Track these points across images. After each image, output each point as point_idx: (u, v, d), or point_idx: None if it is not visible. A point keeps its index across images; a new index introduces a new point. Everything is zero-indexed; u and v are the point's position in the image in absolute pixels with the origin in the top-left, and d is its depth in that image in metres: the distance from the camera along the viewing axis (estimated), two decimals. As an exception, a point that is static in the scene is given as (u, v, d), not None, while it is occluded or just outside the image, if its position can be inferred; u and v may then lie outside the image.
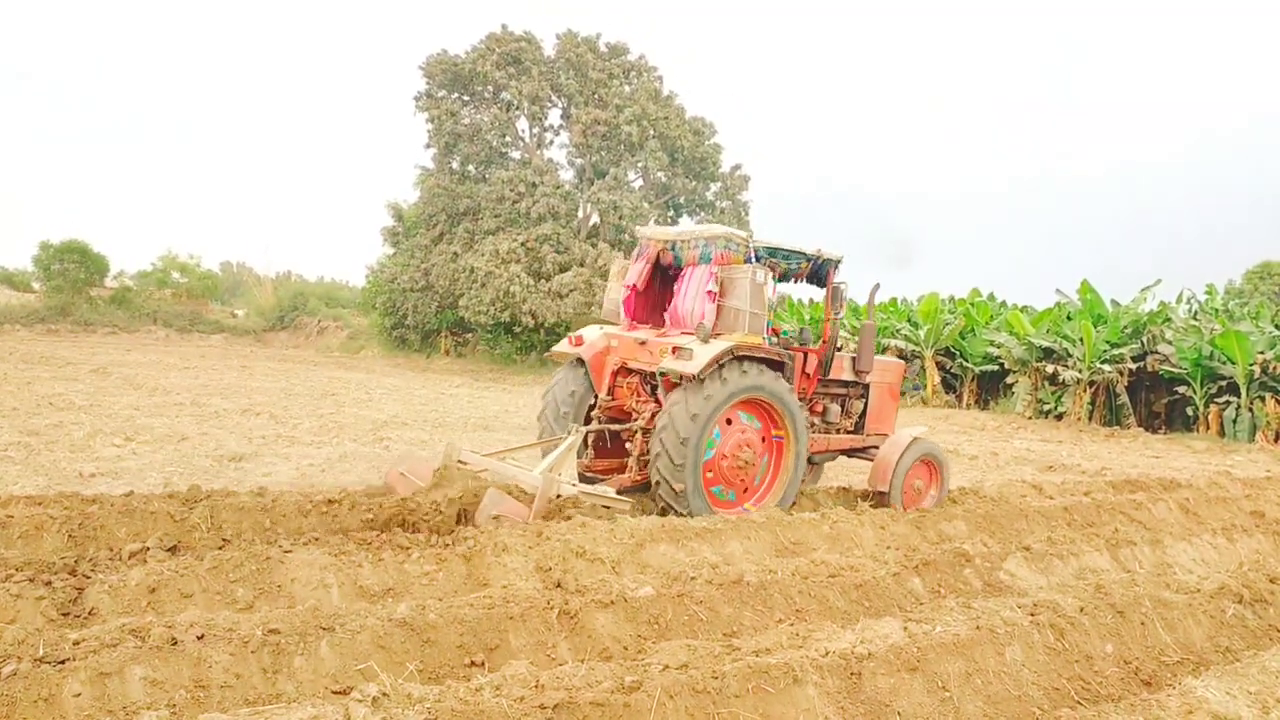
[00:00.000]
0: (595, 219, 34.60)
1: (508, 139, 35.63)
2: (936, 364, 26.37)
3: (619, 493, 7.74)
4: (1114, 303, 24.23)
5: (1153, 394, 23.14)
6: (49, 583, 4.94)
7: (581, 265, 32.03)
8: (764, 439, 8.46)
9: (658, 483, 7.86)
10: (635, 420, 8.50)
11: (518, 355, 37.79)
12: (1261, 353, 19.89)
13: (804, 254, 8.87)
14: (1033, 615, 5.08)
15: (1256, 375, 19.80)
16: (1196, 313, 24.08)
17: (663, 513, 7.83)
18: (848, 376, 9.71)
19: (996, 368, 24.83)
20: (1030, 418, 23.19)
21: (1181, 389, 21.91)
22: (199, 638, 4.04)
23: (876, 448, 9.62)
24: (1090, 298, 24.12)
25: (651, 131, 33.30)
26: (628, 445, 8.60)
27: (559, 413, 8.91)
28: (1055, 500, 9.74)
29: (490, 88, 34.82)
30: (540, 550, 6.01)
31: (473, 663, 4.48)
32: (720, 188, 36.42)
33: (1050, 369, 22.80)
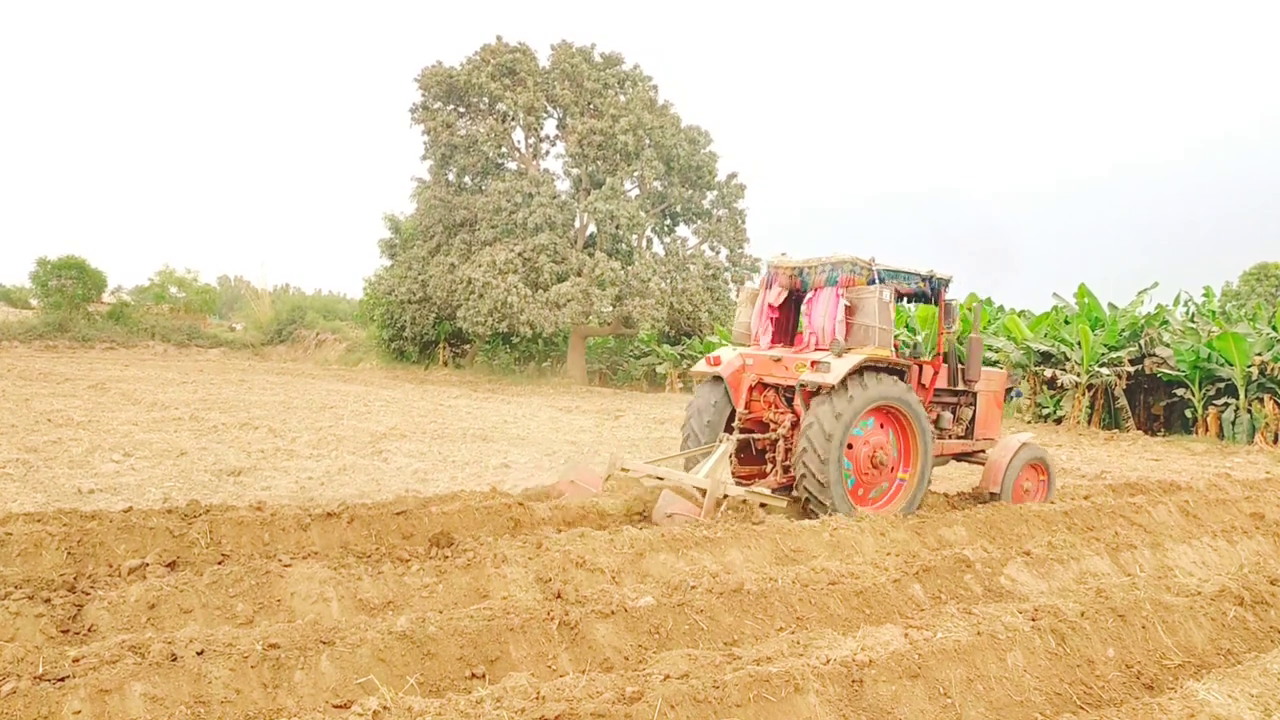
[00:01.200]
0: (592, 229, 34.65)
1: (504, 150, 35.68)
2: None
3: (771, 492, 8.55)
4: (1111, 306, 24.25)
5: (1151, 396, 23.16)
6: (48, 600, 4.94)
7: (579, 275, 32.05)
8: (895, 443, 9.22)
9: (803, 477, 8.60)
10: (777, 429, 9.38)
11: (516, 365, 37.84)
12: (1259, 354, 19.92)
13: (918, 274, 9.75)
14: (1034, 620, 5.07)
15: (1254, 377, 19.82)
16: (1194, 315, 24.11)
17: (805, 508, 8.66)
18: (958, 386, 10.37)
19: (995, 372, 24.85)
20: (1029, 421, 23.20)
21: (1180, 391, 21.92)
22: (199, 653, 4.04)
23: (983, 452, 10.48)
24: (1087, 301, 24.14)
25: (647, 141, 33.37)
26: (766, 453, 9.60)
27: (703, 424, 9.74)
28: (1055, 504, 9.74)
29: (486, 99, 34.88)
30: (540, 561, 6.01)
31: (473, 675, 4.47)
32: (717, 196, 36.46)
33: (1049, 373, 22.82)
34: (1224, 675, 4.67)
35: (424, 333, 38.91)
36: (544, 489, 9.35)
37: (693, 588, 5.47)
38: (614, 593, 5.27)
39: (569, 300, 31.42)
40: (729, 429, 9.56)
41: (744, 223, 36.92)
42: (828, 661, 4.26)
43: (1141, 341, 22.64)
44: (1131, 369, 22.21)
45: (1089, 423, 22.31)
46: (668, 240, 36.60)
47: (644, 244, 35.30)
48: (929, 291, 9.93)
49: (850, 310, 9.08)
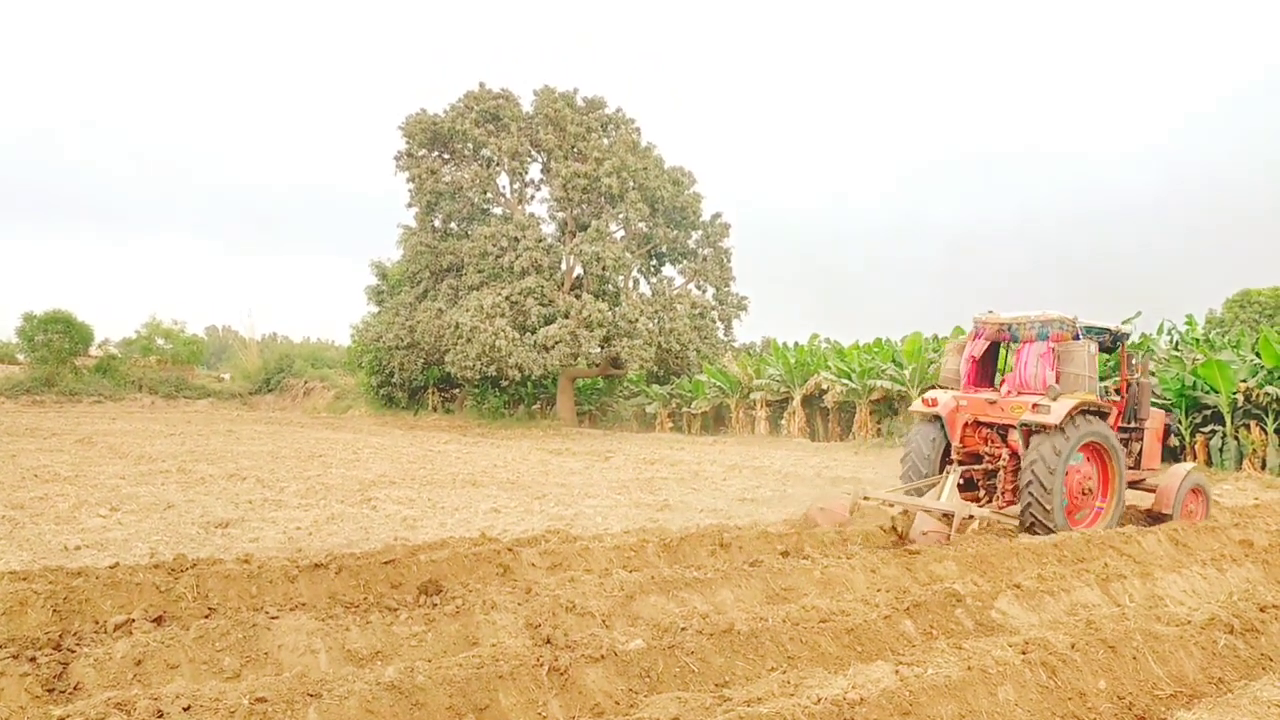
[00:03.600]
0: (578, 271, 34.80)
1: (489, 195, 35.91)
2: (923, 403, 26.42)
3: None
4: (1096, 336, 24.34)
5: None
6: (33, 659, 4.89)
7: (566, 317, 32.14)
8: (1099, 473, 10.75)
9: (1029, 504, 10.07)
10: (997, 462, 10.89)
11: (505, 409, 37.79)
12: (1244, 380, 20.01)
13: (1108, 329, 11.48)
14: (1024, 654, 5.07)
15: (1240, 403, 19.91)
16: (1178, 343, 24.22)
17: (1028, 529, 10.09)
18: (1131, 423, 11.91)
19: (983, 405, 24.90)
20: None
21: (1166, 420, 21.94)
22: (185, 709, 4.00)
23: (1145, 480, 11.84)
24: (1072, 332, 24.23)
25: (631, 183, 33.62)
26: (977, 481, 11.06)
27: (922, 457, 11.27)
28: (1045, 536, 9.74)
29: (470, 145, 35.16)
30: (529, 606, 5.98)
31: (463, 724, 4.44)
32: (701, 235, 36.69)
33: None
34: (1215, 704, 4.67)
35: (412, 378, 38.88)
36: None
37: (683, 629, 5.46)
38: (604, 636, 5.25)
39: (557, 342, 31.48)
40: (946, 461, 11.09)
41: (729, 261, 37.16)
42: (818, 701, 4.25)
43: (1127, 370, 22.71)
44: (1116, 398, 22.26)
45: (1078, 453, 22.33)
46: (654, 280, 36.78)
47: (630, 285, 35.46)
48: (1112, 344, 11.77)
49: (1061, 360, 10.65)
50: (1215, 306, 42.83)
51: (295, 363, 52.62)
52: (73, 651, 5.04)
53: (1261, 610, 6.39)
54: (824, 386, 28.65)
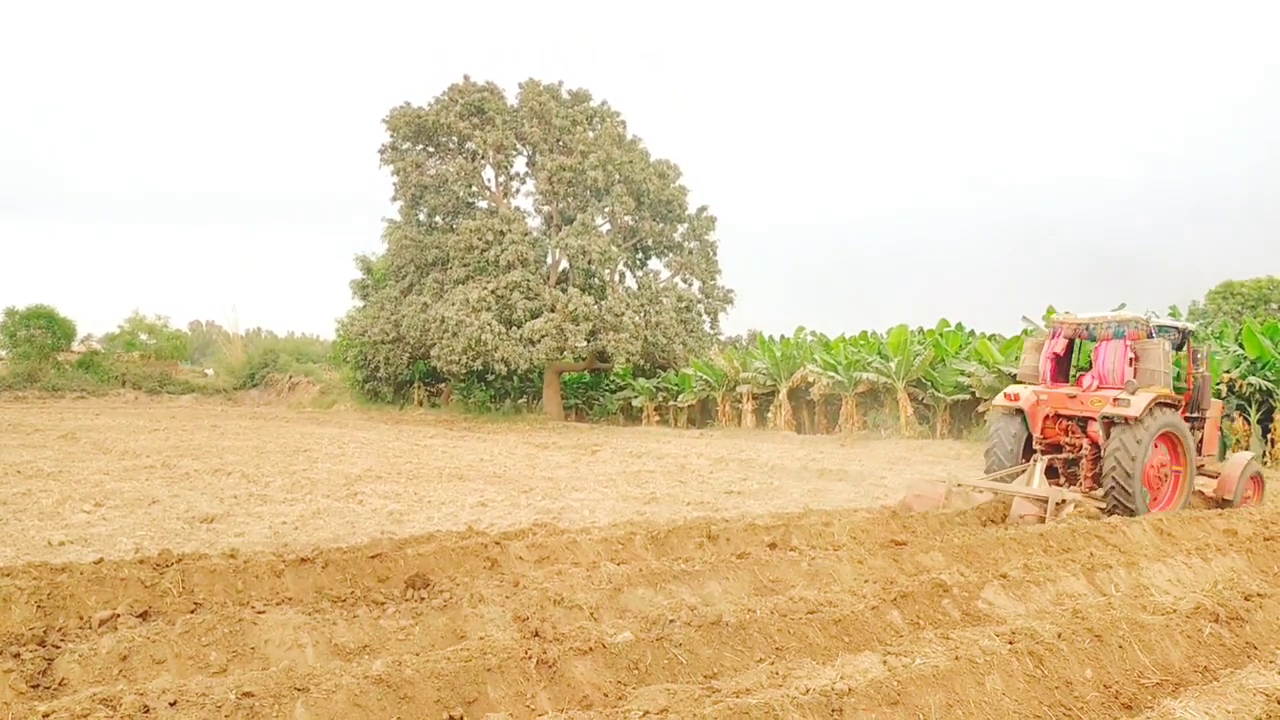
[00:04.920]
0: (564, 264, 34.75)
1: (474, 188, 35.79)
2: (909, 395, 26.49)
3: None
4: (1080, 328, 24.43)
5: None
6: (17, 655, 4.86)
7: (552, 311, 32.08)
8: (1171, 460, 11.59)
9: (1112, 489, 10.85)
10: (1078, 451, 11.72)
11: (491, 403, 37.74)
12: (1227, 371, 20.14)
13: (1177, 328, 12.29)
14: (1011, 643, 5.08)
15: (1223, 394, 20.03)
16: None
17: (1110, 511, 10.67)
18: (1194, 414, 12.45)
19: (968, 397, 24.98)
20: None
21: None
22: (171, 704, 3.98)
23: (1204, 466, 12.49)
24: (1057, 324, 24.32)
25: (617, 176, 33.56)
26: (1058, 469, 11.83)
27: (1005, 449, 12.01)
28: (1032, 526, 9.78)
29: (455, 138, 35.03)
30: (517, 600, 5.97)
31: (451, 717, 4.42)
32: (688, 228, 36.67)
33: (1021, 396, 22.95)
34: (1201, 693, 4.69)
35: (398, 373, 38.80)
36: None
37: (671, 622, 5.45)
38: (592, 629, 5.25)
39: (543, 336, 31.43)
40: (1029, 451, 11.94)
41: (715, 254, 37.17)
42: (807, 691, 4.25)
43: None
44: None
45: (1063, 444, 22.43)
46: (640, 274, 36.76)
47: (616, 278, 35.43)
48: (1180, 340, 12.47)
49: (1137, 357, 11.46)
50: (1198, 298, 43.08)
51: (280, 358, 52.42)
52: (57, 647, 5.01)
53: (1246, 599, 6.42)
54: (810, 379, 28.68)
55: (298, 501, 12.24)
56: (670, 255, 37.00)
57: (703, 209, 36.73)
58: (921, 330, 28.65)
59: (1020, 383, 12.63)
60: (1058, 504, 10.31)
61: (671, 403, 34.56)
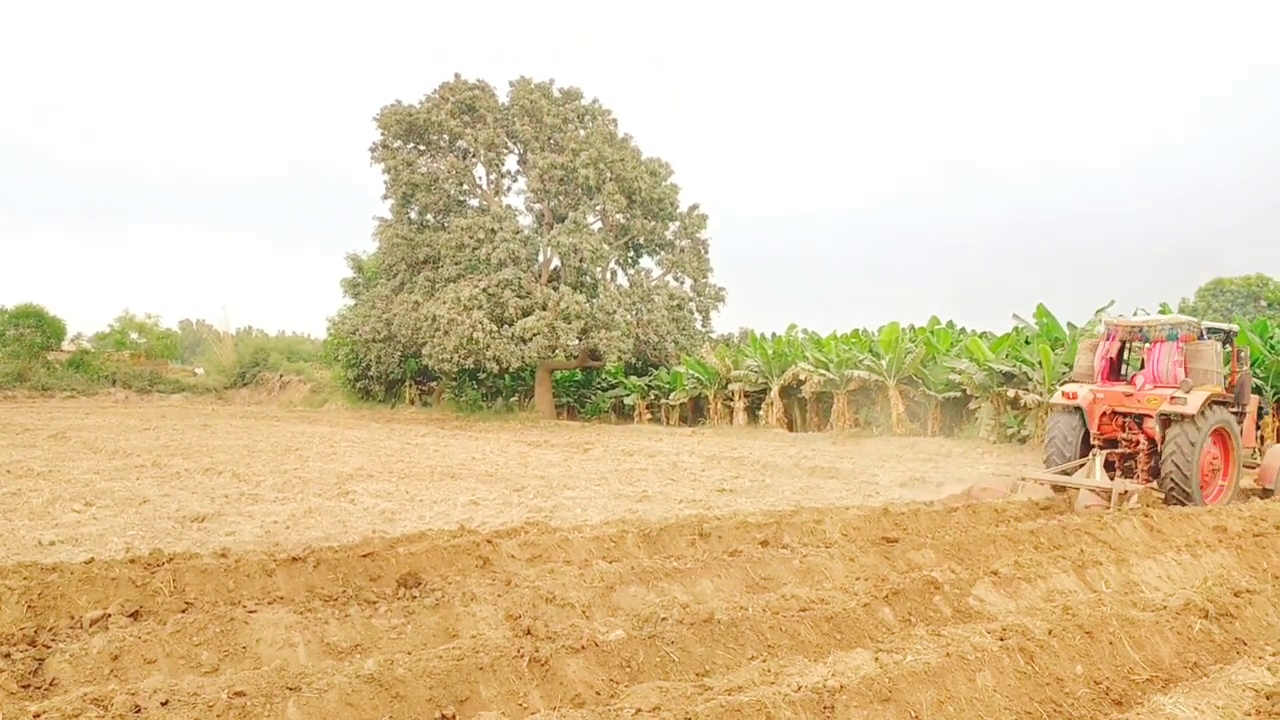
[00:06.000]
0: (556, 263, 34.72)
1: (465, 187, 35.74)
2: (900, 393, 26.54)
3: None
4: (1070, 325, 24.53)
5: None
6: (8, 655, 4.85)
7: (544, 309, 32.07)
8: (1221, 454, 12.38)
9: (1169, 478, 11.62)
10: (1135, 446, 12.40)
11: (483, 401, 37.72)
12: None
13: (1223, 329, 13.20)
14: (1002, 640, 5.10)
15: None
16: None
17: (1168, 501, 11.39)
18: (1236, 410, 12.96)
19: (959, 394, 25.03)
20: (995, 442, 23.37)
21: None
22: (163, 704, 3.97)
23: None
24: (1046, 321, 24.40)
25: (608, 174, 33.52)
26: (1116, 463, 12.46)
27: (1064, 443, 12.74)
28: (1022, 523, 9.81)
29: (446, 136, 34.96)
30: (509, 598, 5.97)
31: (443, 716, 4.43)
32: (679, 227, 36.67)
33: (1011, 393, 23.02)
34: (1190, 688, 4.72)
35: (389, 371, 38.75)
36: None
37: (663, 619, 5.46)
38: (584, 627, 5.25)
39: (534, 334, 31.41)
40: (1085, 447, 12.59)
41: (707, 253, 37.17)
42: (799, 689, 4.26)
43: (1101, 359, 22.88)
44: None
45: (1053, 441, 22.47)
46: (632, 272, 36.76)
47: (608, 276, 35.42)
48: (1225, 341, 13.25)
49: (1189, 358, 12.20)
50: (1188, 295, 43.27)
51: (270, 356, 52.30)
52: (48, 647, 4.99)
53: (1236, 595, 6.45)
54: (802, 377, 28.70)
55: (289, 500, 12.22)
56: (662, 253, 37.01)
57: (694, 207, 36.73)
58: (912, 328, 28.70)
59: (1076, 382, 13.33)
60: (1121, 494, 11.06)
61: (663, 401, 34.56)
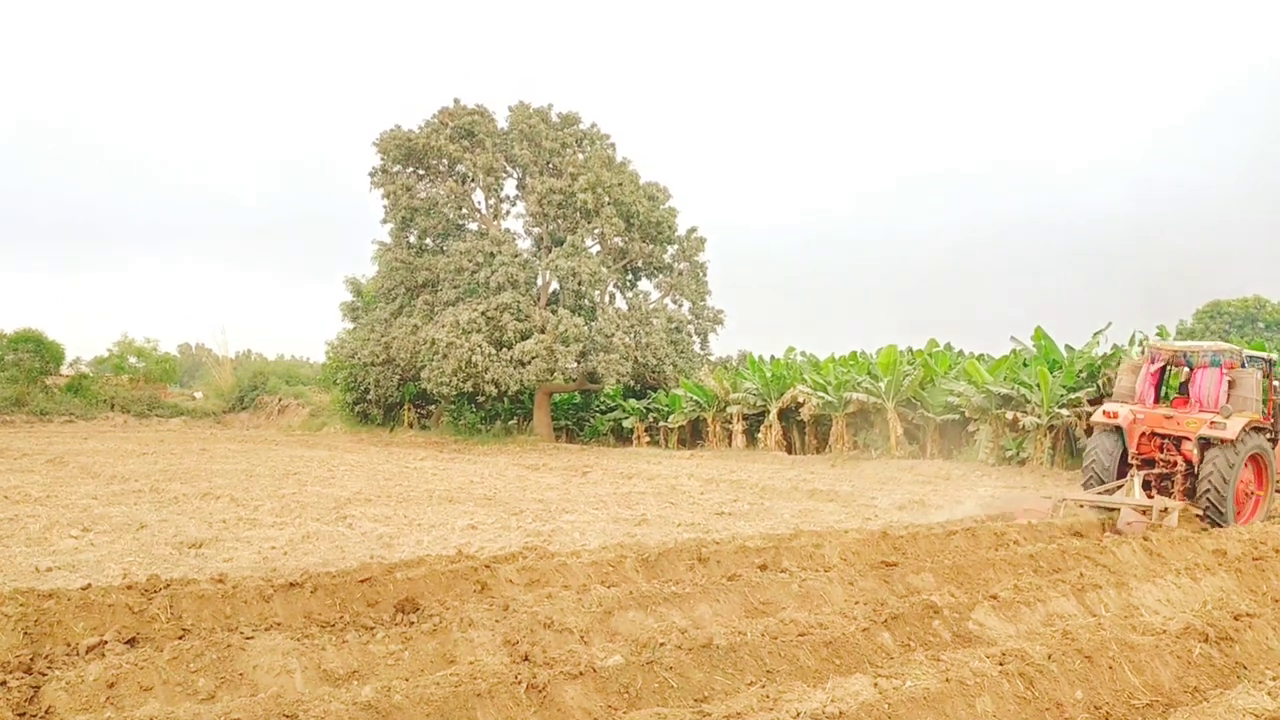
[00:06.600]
0: (554, 286, 34.79)
1: (464, 211, 35.88)
2: (898, 415, 26.53)
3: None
4: (1068, 347, 24.56)
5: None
6: (3, 682, 4.83)
7: (542, 332, 32.12)
8: (1255, 478, 12.71)
9: (1206, 494, 11.95)
10: (1173, 468, 12.71)
11: (482, 424, 37.67)
12: (1215, 390, 20.20)
13: (1263, 357, 13.50)
14: (1001, 665, 5.09)
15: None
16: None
17: (1204, 520, 11.84)
18: (1271, 436, 13.33)
19: (957, 416, 25.02)
20: (993, 465, 23.36)
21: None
22: (159, 732, 3.96)
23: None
24: (1044, 343, 24.43)
25: (606, 198, 33.63)
26: (1154, 483, 12.70)
27: (1104, 463, 12.98)
28: (1022, 547, 9.80)
29: (445, 161, 35.11)
30: (507, 624, 5.96)
31: (441, 743, 4.41)
32: (677, 250, 36.77)
33: (1010, 415, 23.01)
34: (1191, 713, 4.71)
35: (388, 395, 38.71)
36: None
37: (662, 645, 5.45)
38: (582, 653, 5.24)
39: (533, 357, 31.44)
40: (1122, 466, 12.86)
41: (705, 275, 37.26)
42: (798, 715, 4.26)
43: (1099, 382, 22.89)
44: (1090, 409, 22.42)
45: (1052, 464, 22.48)
46: (630, 295, 36.84)
47: (606, 299, 35.50)
48: (1267, 369, 13.38)
49: (1232, 384, 12.62)
50: (1186, 318, 43.36)
51: (269, 380, 52.30)
52: (44, 674, 4.97)
53: (1236, 619, 6.45)
54: (800, 399, 28.70)
55: (287, 525, 12.19)
56: (660, 276, 37.09)
57: (692, 230, 36.84)
58: (910, 350, 28.73)
59: (1117, 402, 13.62)
60: (1161, 511, 11.44)
61: (662, 423, 34.54)
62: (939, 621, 6.55)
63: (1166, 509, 11.49)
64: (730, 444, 31.27)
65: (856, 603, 7.14)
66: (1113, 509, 11.93)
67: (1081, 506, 12.27)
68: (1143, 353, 24.64)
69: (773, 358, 33.29)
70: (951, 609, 6.72)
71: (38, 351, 45.12)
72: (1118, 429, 13.10)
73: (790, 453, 29.30)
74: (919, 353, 28.31)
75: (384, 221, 36.18)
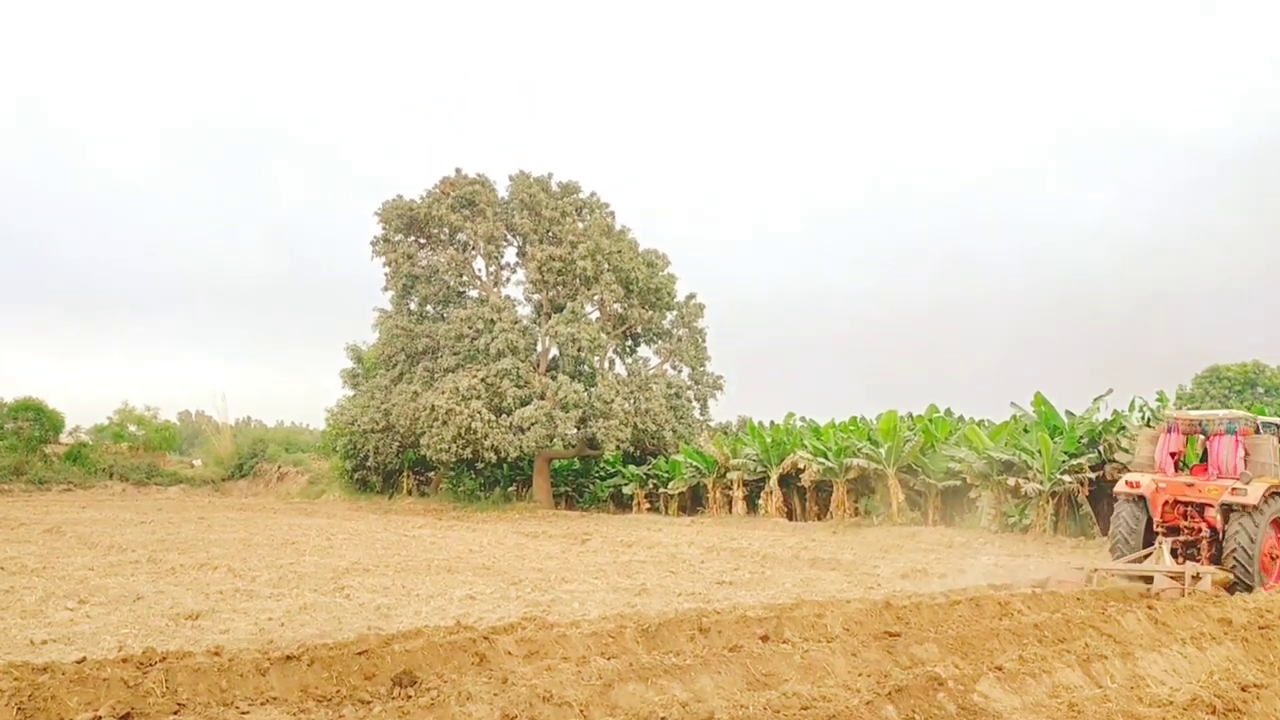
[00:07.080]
0: (554, 352, 34.93)
1: (465, 278, 36.17)
2: (900, 481, 26.43)
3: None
4: (1069, 413, 24.57)
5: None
6: (-5, 761, 4.76)
7: (541, 398, 32.15)
8: (1279, 541, 12.83)
9: (1233, 567, 12.20)
10: (1197, 534, 12.89)
11: (481, 491, 37.52)
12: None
13: (1276, 423, 13.59)
14: (1007, 739, 5.02)
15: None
16: (1149, 420, 24.42)
17: (1233, 586, 12.01)
18: None
19: (959, 483, 24.93)
20: (996, 532, 23.22)
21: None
22: (152, 812, 3.90)
23: None
24: (1045, 409, 24.44)
25: (606, 265, 33.91)
26: (1178, 550, 12.85)
27: (1128, 531, 13.34)
28: (1026, 616, 9.71)
29: (446, 230, 35.47)
30: (506, 697, 5.89)
31: (438, 822, 4.34)
32: (676, 316, 36.98)
33: (1012, 481, 22.93)
34: (1200, 788, 4.63)
35: (387, 462, 38.61)
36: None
37: (662, 719, 5.38)
38: (582, 728, 5.17)
39: (533, 424, 31.45)
40: (1148, 534, 13.19)
41: (704, 341, 37.41)
42: (800, 792, 4.19)
43: (1100, 448, 22.87)
44: (1093, 475, 22.39)
45: (1055, 530, 22.35)
46: (629, 361, 36.96)
47: (606, 365, 35.60)
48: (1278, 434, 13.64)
49: (1248, 451, 12.95)
50: (1185, 382, 43.37)
51: (269, 447, 52.19)
52: (36, 752, 4.90)
53: (1243, 689, 6.38)
54: (800, 465, 28.62)
55: (284, 596, 12.09)
56: (659, 342, 37.24)
57: (691, 296, 37.08)
58: (911, 416, 28.72)
59: (1137, 471, 13.95)
60: (1193, 577, 11.61)
61: (662, 490, 34.40)
62: (943, 694, 6.47)
63: (1198, 575, 11.66)
64: (731, 510, 31.12)
65: (860, 674, 7.06)
66: (1146, 577, 12.04)
67: (1113, 575, 12.39)
68: (1145, 419, 24.75)
69: (772, 423, 33.27)
70: (956, 681, 6.64)
71: (38, 420, 45.12)
72: (1141, 498, 13.38)
73: (791, 519, 29.15)
74: (919, 418, 28.30)
75: (385, 289, 36.48)
